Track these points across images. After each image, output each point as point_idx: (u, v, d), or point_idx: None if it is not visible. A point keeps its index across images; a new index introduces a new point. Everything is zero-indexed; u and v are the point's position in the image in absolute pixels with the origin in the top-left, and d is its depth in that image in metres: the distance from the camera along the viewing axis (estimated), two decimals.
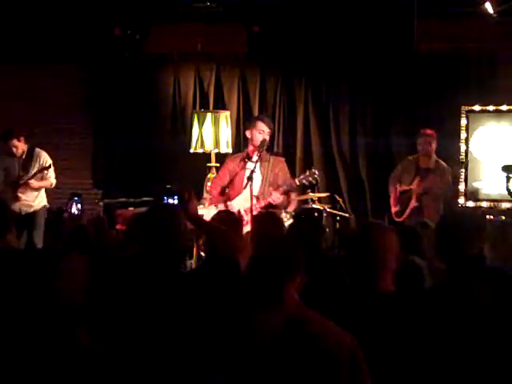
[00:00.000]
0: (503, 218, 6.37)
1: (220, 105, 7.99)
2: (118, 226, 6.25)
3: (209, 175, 7.11)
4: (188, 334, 2.35)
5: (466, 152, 7.46)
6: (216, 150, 7.16)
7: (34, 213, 6.48)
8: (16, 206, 6.29)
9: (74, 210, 4.95)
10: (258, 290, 1.96)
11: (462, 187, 7.37)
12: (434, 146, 6.33)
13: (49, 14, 7.03)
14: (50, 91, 8.06)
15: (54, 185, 6.65)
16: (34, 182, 6.41)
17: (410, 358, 2.33)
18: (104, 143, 8.16)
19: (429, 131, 6.39)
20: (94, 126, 8.27)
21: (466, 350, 2.37)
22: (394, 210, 6.38)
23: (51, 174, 6.57)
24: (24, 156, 6.49)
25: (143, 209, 5.55)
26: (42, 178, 6.52)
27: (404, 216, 6.24)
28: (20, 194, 6.39)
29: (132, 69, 7.97)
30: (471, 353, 2.36)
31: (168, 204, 3.91)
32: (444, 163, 6.44)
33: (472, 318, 2.39)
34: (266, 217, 3.95)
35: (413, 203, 6.21)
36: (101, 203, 7.09)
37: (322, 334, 1.84)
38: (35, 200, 6.51)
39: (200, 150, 7.21)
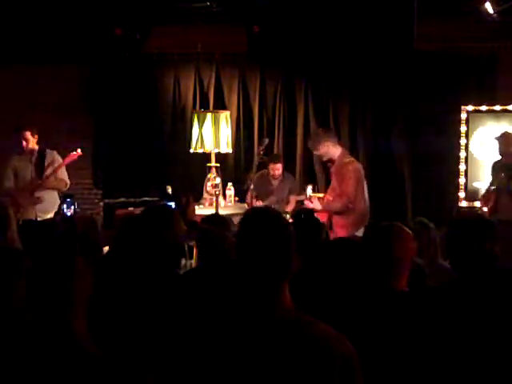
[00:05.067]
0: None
1: (220, 105, 7.99)
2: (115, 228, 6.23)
3: (209, 175, 7.10)
4: (183, 335, 2.35)
5: (466, 152, 7.47)
6: (216, 150, 7.15)
7: None
8: (32, 213, 6.01)
9: (66, 211, 4.87)
10: (250, 291, 1.88)
11: (462, 194, 7.40)
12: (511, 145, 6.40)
13: (49, 13, 7.03)
14: (50, 91, 8.06)
15: (68, 185, 6.44)
16: (48, 181, 6.17)
17: (422, 357, 2.35)
18: (104, 143, 8.16)
19: (507, 132, 6.52)
20: (94, 126, 8.27)
21: (473, 349, 2.38)
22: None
23: (64, 175, 6.38)
24: (35, 158, 6.26)
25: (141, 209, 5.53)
26: (56, 179, 6.32)
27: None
28: (38, 196, 6.12)
29: (132, 69, 7.97)
30: (479, 353, 2.37)
31: (164, 205, 3.89)
32: None
33: (481, 318, 2.39)
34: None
35: (491, 203, 6.27)
36: (101, 203, 7.09)
37: (316, 337, 1.79)
38: (54, 205, 6.18)
39: (200, 150, 7.20)
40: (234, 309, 1.93)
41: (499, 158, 6.52)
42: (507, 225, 5.23)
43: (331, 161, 5.90)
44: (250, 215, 1.99)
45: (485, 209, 6.45)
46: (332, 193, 5.84)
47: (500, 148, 6.45)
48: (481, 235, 2.58)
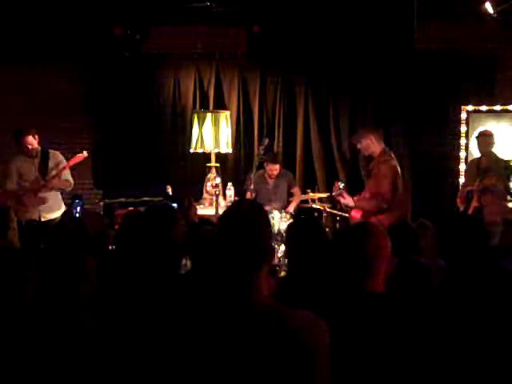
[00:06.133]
0: None
1: (220, 105, 8.00)
2: (117, 227, 6.24)
3: (209, 175, 7.12)
4: (182, 334, 2.35)
5: (466, 152, 7.47)
6: (216, 150, 7.17)
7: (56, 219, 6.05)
8: (35, 214, 5.94)
9: (75, 212, 4.88)
10: (224, 281, 1.87)
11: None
12: (492, 145, 6.36)
13: (49, 13, 7.03)
14: (50, 91, 8.05)
15: (72, 185, 6.39)
16: (52, 182, 6.08)
17: (397, 360, 2.32)
18: (104, 143, 8.16)
19: (487, 132, 6.47)
20: (94, 125, 8.27)
21: (465, 349, 2.37)
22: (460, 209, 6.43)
23: (68, 175, 6.32)
24: (39, 158, 6.16)
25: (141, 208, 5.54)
26: (60, 180, 6.22)
27: None
28: (43, 196, 6.06)
29: (132, 69, 7.97)
30: (471, 352, 2.36)
31: (166, 204, 3.89)
32: (505, 161, 6.44)
33: (474, 316, 2.39)
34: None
35: (474, 203, 6.20)
36: (101, 203, 7.10)
37: (290, 328, 1.78)
38: (61, 205, 6.24)
39: (200, 150, 7.21)
40: (211, 301, 1.91)
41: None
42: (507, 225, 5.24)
43: (371, 158, 5.89)
44: (229, 207, 2.01)
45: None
46: (368, 191, 5.80)
47: (479, 147, 6.44)
48: (469, 233, 2.59)
